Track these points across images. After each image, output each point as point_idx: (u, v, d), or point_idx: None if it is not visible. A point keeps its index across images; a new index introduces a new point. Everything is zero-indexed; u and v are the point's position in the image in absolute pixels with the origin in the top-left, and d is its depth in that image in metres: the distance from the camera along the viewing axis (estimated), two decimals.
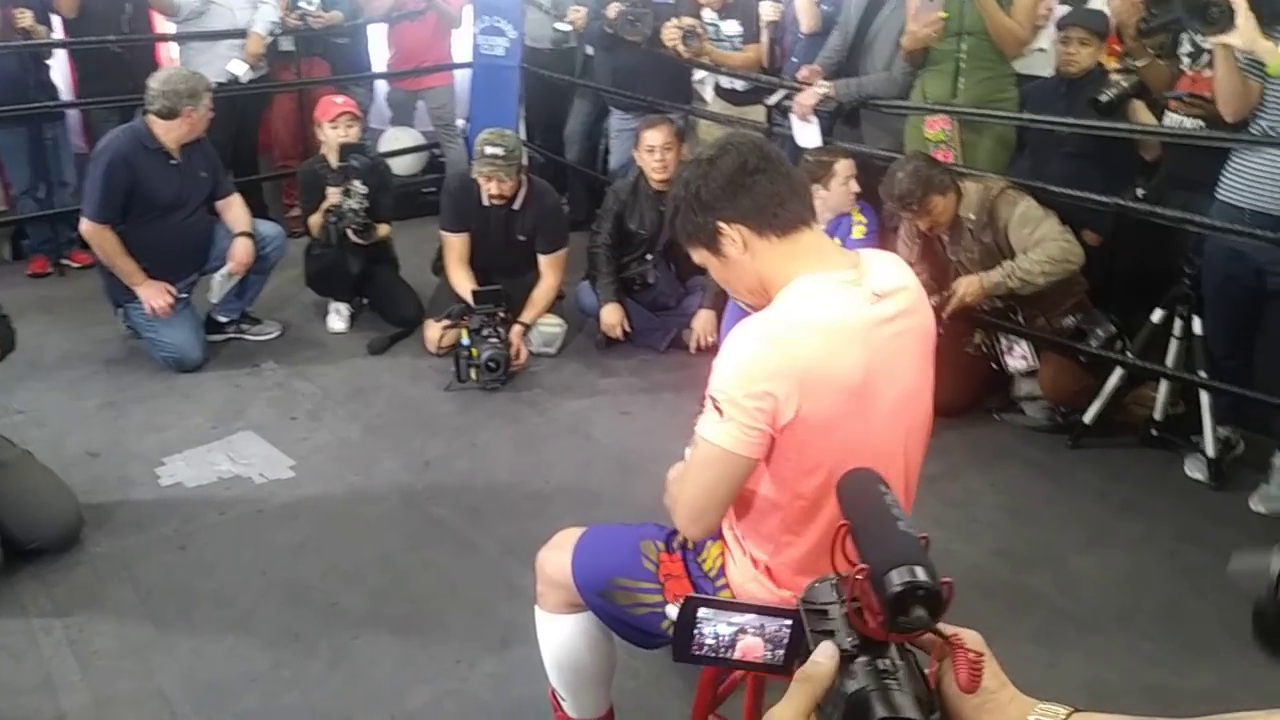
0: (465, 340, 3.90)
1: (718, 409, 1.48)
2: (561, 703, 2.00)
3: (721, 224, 1.55)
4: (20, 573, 2.75)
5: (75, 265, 5.03)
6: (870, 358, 1.49)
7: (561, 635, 1.90)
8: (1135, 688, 2.43)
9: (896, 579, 0.72)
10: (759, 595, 1.68)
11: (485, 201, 4.07)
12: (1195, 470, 3.34)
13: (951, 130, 3.87)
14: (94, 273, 4.32)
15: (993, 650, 0.81)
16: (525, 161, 4.24)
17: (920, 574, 0.73)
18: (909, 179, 3.40)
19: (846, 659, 0.76)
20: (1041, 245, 3.36)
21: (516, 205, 4.11)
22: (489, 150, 3.93)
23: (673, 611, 1.74)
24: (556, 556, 1.85)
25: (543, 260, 4.20)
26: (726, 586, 1.73)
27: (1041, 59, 4.24)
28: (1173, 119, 3.43)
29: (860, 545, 0.77)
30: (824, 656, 0.75)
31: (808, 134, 4.11)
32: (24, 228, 5.09)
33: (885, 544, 0.76)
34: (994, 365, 3.73)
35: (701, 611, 0.79)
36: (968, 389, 3.70)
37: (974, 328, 3.73)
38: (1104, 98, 3.48)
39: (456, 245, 4.19)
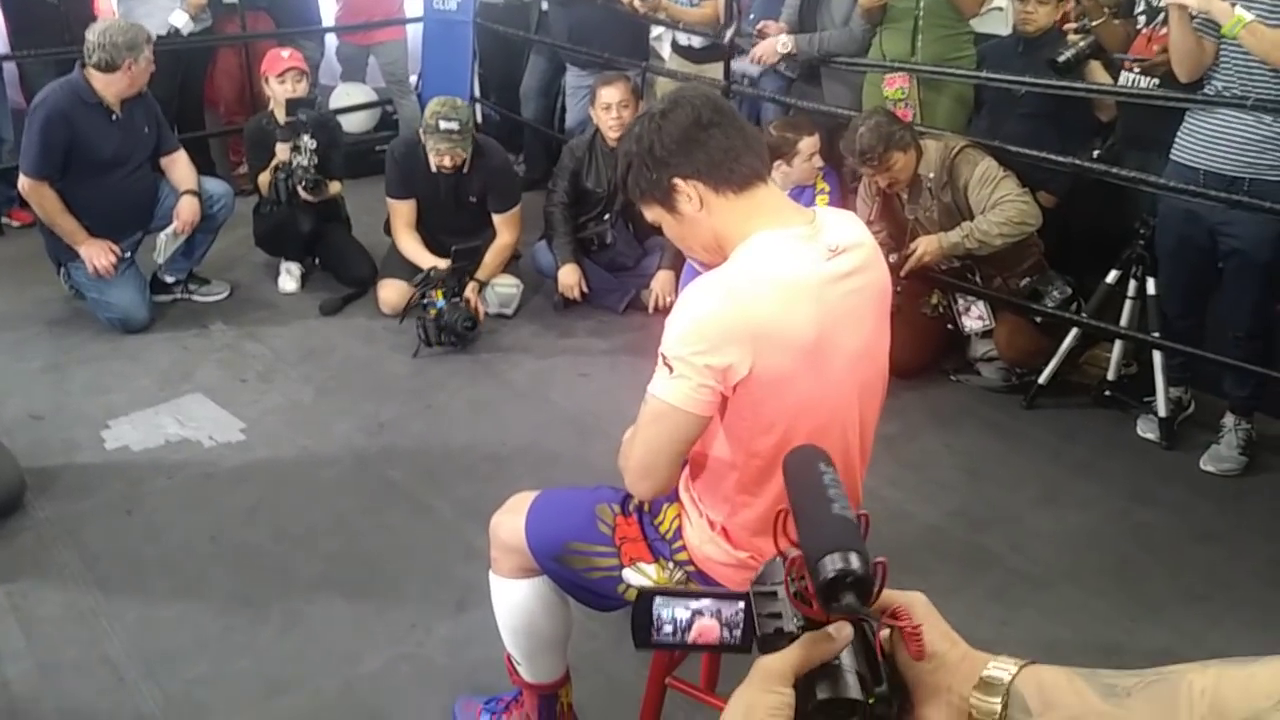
0: (439, 302, 3.83)
1: (668, 365, 1.46)
2: (517, 666, 1.98)
3: (678, 180, 1.52)
4: None
5: (15, 224, 4.89)
6: (823, 315, 1.47)
7: (516, 600, 1.87)
8: (1087, 645, 2.46)
9: (829, 566, 0.71)
10: (716, 557, 1.67)
11: (433, 168, 3.98)
12: (1147, 430, 3.37)
13: (910, 88, 3.85)
14: (35, 232, 4.21)
15: (946, 609, 0.79)
16: (480, 120, 4.15)
17: (853, 561, 0.71)
18: (870, 134, 3.37)
19: (792, 640, 0.75)
20: (1000, 206, 3.35)
21: (465, 169, 4.02)
22: (444, 125, 3.82)
23: (630, 575, 1.73)
24: (510, 521, 1.83)
25: (497, 219, 4.13)
26: (683, 549, 1.71)
27: (998, 17, 4.23)
28: (1128, 79, 3.43)
29: (798, 528, 0.76)
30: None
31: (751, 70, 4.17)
32: None
33: (819, 528, 0.75)
34: (950, 326, 3.74)
35: (657, 599, 0.78)
36: (925, 350, 3.71)
37: (931, 288, 3.74)
38: (1061, 58, 3.46)
39: (404, 212, 4.11)
